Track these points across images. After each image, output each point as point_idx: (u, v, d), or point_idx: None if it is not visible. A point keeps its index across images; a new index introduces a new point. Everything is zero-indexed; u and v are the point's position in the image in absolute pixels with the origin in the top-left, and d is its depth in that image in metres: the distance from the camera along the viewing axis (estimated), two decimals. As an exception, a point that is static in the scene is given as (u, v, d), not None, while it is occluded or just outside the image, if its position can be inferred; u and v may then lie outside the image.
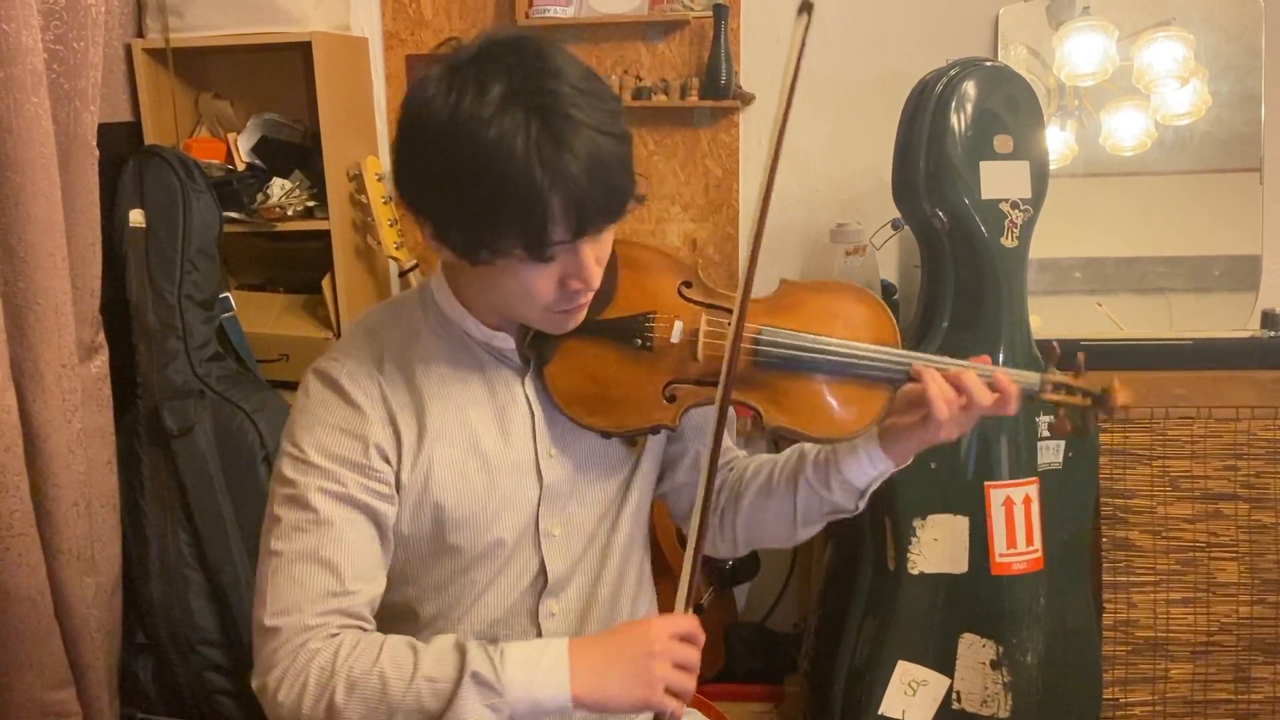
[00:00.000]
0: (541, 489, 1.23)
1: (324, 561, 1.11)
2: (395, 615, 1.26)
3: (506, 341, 1.22)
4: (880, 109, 2.56)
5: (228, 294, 2.41)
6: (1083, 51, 2.44)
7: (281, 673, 1.08)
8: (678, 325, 1.21)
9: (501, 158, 1.00)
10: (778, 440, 2.45)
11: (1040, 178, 2.01)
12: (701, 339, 1.21)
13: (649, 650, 1.09)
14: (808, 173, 2.63)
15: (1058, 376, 1.28)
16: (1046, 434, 2.02)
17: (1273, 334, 2.32)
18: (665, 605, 1.21)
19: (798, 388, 1.22)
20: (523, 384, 1.23)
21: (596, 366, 1.21)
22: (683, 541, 2.32)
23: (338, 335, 2.48)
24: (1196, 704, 2.34)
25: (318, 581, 1.10)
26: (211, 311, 2.33)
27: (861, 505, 1.29)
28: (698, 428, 1.35)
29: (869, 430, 1.23)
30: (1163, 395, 2.31)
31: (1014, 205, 1.98)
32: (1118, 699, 2.33)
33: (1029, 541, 2.00)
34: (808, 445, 1.31)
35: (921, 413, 1.20)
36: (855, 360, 1.22)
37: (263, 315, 2.55)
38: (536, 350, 1.22)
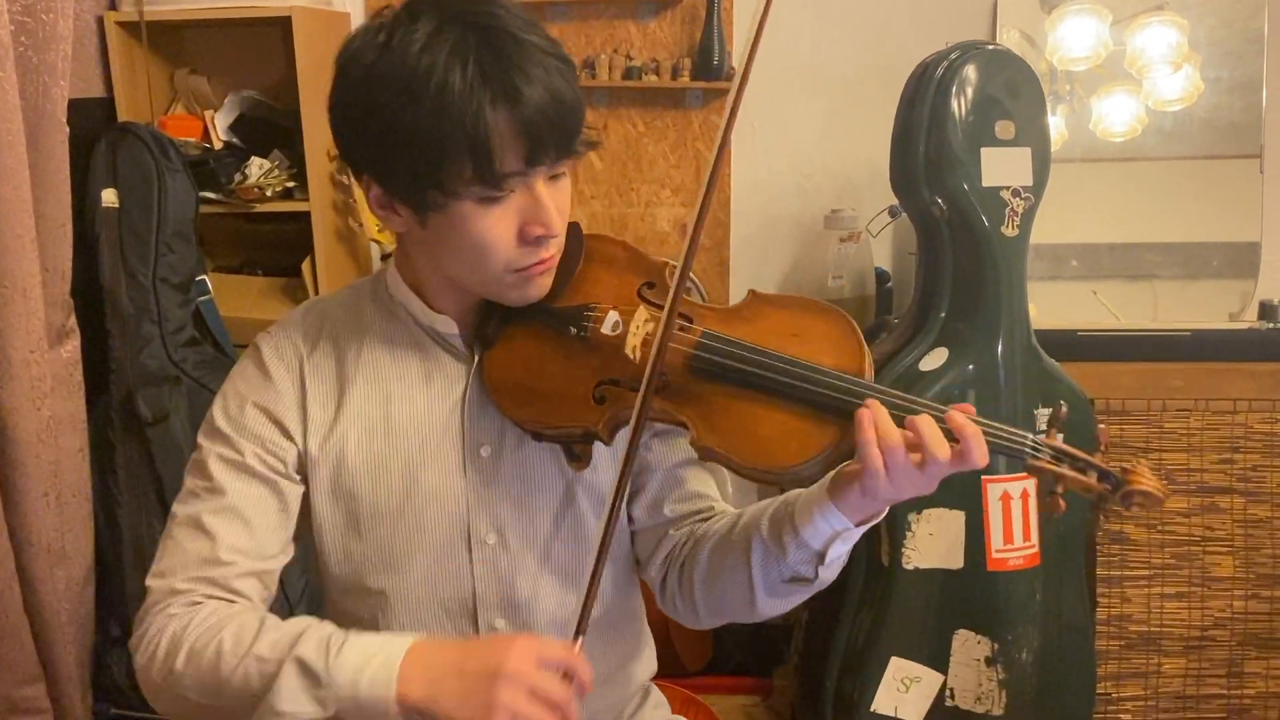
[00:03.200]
0: (467, 487, 1.15)
1: (204, 529, 1.08)
2: (336, 604, 1.22)
3: (449, 325, 1.15)
4: (877, 95, 2.50)
5: (204, 277, 2.33)
6: (1076, 35, 2.40)
7: (142, 633, 1.07)
8: (611, 316, 1.10)
9: (438, 79, 0.95)
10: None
11: (1042, 165, 1.97)
12: (634, 332, 1.08)
13: (499, 670, 0.93)
14: (802, 160, 2.58)
15: (1059, 443, 1.01)
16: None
17: (1271, 326, 2.29)
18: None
19: (735, 407, 1.04)
20: (467, 375, 1.16)
21: (532, 356, 1.12)
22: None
23: (318, 320, 2.41)
24: (1189, 699, 2.32)
25: (195, 548, 1.08)
26: (187, 295, 2.26)
27: (825, 575, 1.07)
28: (658, 462, 1.21)
29: (808, 468, 1.02)
30: (1160, 387, 2.27)
31: (1015, 193, 1.94)
32: (1110, 694, 2.30)
33: (1026, 537, 1.96)
34: (775, 501, 1.12)
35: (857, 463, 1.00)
36: (800, 382, 1.02)
37: (240, 298, 2.48)
38: (481, 338, 1.15)
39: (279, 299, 2.48)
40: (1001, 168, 1.93)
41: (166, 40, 2.47)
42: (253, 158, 2.38)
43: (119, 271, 2.18)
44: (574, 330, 1.11)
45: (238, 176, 2.36)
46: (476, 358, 1.15)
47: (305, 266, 2.40)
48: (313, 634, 1.00)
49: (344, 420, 1.14)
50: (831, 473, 1.05)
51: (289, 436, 1.14)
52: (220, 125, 2.43)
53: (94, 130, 2.21)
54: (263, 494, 1.12)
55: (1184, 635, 2.30)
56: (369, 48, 1.00)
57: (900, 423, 0.97)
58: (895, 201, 2.40)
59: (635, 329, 1.09)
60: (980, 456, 0.97)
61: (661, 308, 1.08)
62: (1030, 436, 1.01)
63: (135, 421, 2.16)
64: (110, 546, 2.18)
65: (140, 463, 2.18)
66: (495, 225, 1.02)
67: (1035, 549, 1.97)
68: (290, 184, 2.39)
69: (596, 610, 1.19)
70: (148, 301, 2.19)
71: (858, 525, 1.04)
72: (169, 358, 2.20)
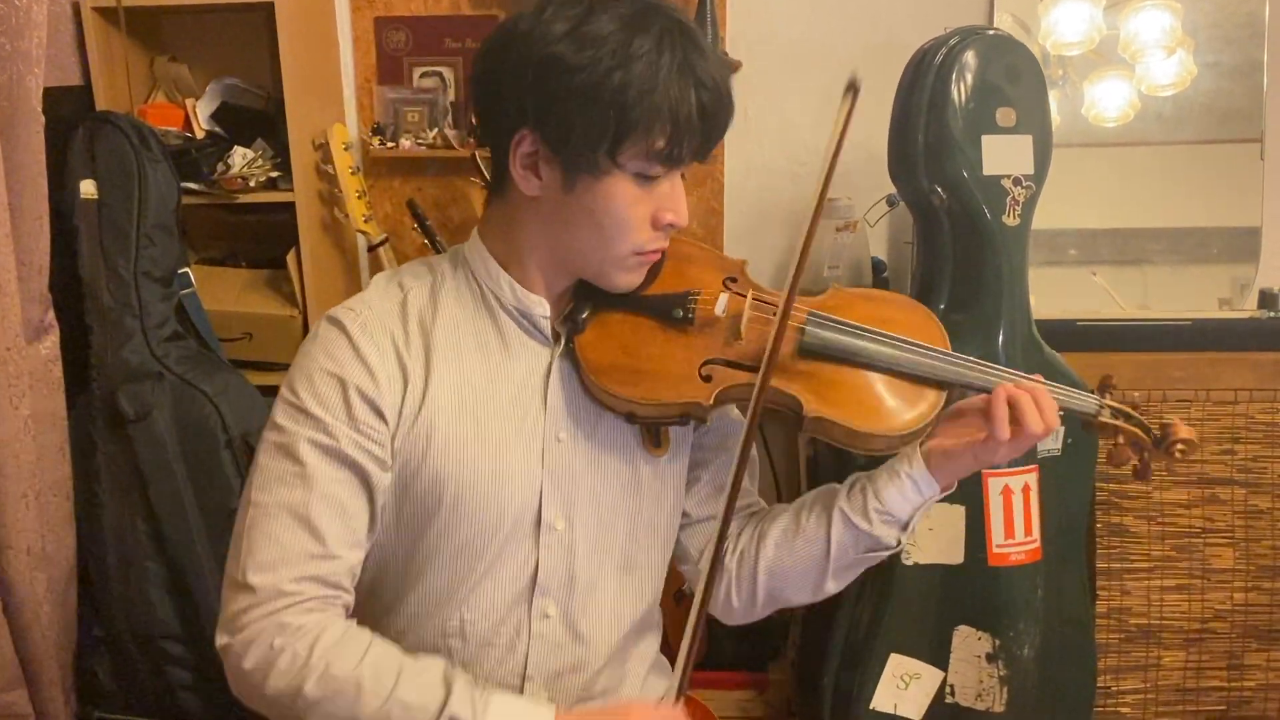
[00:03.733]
0: (544, 473, 1.14)
1: (306, 520, 1.04)
2: (377, 595, 1.18)
3: (542, 306, 1.15)
4: (872, 80, 2.45)
5: (187, 269, 2.28)
6: (1069, 20, 2.37)
7: (250, 638, 1.02)
8: (723, 299, 1.16)
9: (651, 54, 1.01)
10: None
11: (1043, 153, 1.92)
12: (746, 315, 1.15)
13: None
14: (795, 145, 2.54)
15: (1115, 403, 1.21)
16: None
17: (1272, 314, 2.26)
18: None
19: (842, 378, 1.15)
20: (551, 360, 1.15)
21: (632, 338, 1.16)
22: (680, 599, 2.21)
23: (304, 313, 2.37)
24: (1189, 691, 2.30)
25: (298, 542, 1.04)
26: (170, 288, 2.20)
27: (904, 540, 1.20)
28: (719, 445, 1.27)
29: (919, 430, 1.15)
30: (1160, 377, 2.24)
31: (1016, 182, 1.90)
32: (1109, 687, 2.28)
33: (1027, 532, 1.93)
34: (835, 485, 1.24)
35: (975, 431, 1.14)
36: (903, 353, 1.16)
37: (224, 291, 2.43)
38: (571, 323, 1.16)
39: (264, 292, 2.43)
40: (1003, 156, 1.89)
41: (145, 26, 2.41)
42: (236, 147, 2.32)
43: (99, 265, 2.13)
44: (680, 313, 1.15)
45: (220, 166, 2.30)
46: (564, 342, 1.16)
47: (290, 258, 2.35)
48: (459, 688, 1.01)
49: (431, 403, 1.11)
50: (910, 449, 1.17)
51: (384, 420, 1.10)
52: (202, 114, 2.38)
53: (71, 119, 2.15)
54: (358, 482, 1.08)
55: (1184, 628, 2.28)
56: (562, 17, 1.03)
57: (987, 389, 1.15)
58: (891, 190, 2.37)
59: (745, 310, 1.15)
60: (1055, 421, 1.12)
61: (761, 294, 1.18)
62: (1095, 397, 1.21)
63: (117, 419, 2.11)
64: (92, 547, 2.13)
65: (123, 461, 2.12)
66: (638, 204, 1.07)
67: (1037, 544, 1.94)
68: (274, 174, 2.34)
69: (642, 605, 1.25)
70: (129, 295, 2.14)
71: (943, 492, 1.18)
72: (151, 353, 2.15)
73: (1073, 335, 2.20)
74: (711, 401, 1.12)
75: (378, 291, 1.16)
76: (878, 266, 2.47)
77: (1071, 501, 2.01)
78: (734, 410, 1.27)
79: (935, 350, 1.17)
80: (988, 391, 1.15)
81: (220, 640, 1.04)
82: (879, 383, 1.16)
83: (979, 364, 1.17)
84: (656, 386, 1.13)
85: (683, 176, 1.11)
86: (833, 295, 1.22)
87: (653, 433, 1.19)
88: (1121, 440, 1.19)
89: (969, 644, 1.97)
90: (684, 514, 1.28)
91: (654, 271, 1.17)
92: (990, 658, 1.96)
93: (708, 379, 1.13)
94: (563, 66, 1.01)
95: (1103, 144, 2.44)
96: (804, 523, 1.22)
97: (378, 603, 1.19)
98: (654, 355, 1.15)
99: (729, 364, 1.14)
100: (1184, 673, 2.29)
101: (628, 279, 1.13)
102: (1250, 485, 2.25)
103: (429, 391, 1.11)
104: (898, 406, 1.15)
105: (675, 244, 1.19)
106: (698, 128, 1.04)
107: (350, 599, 1.09)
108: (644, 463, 1.20)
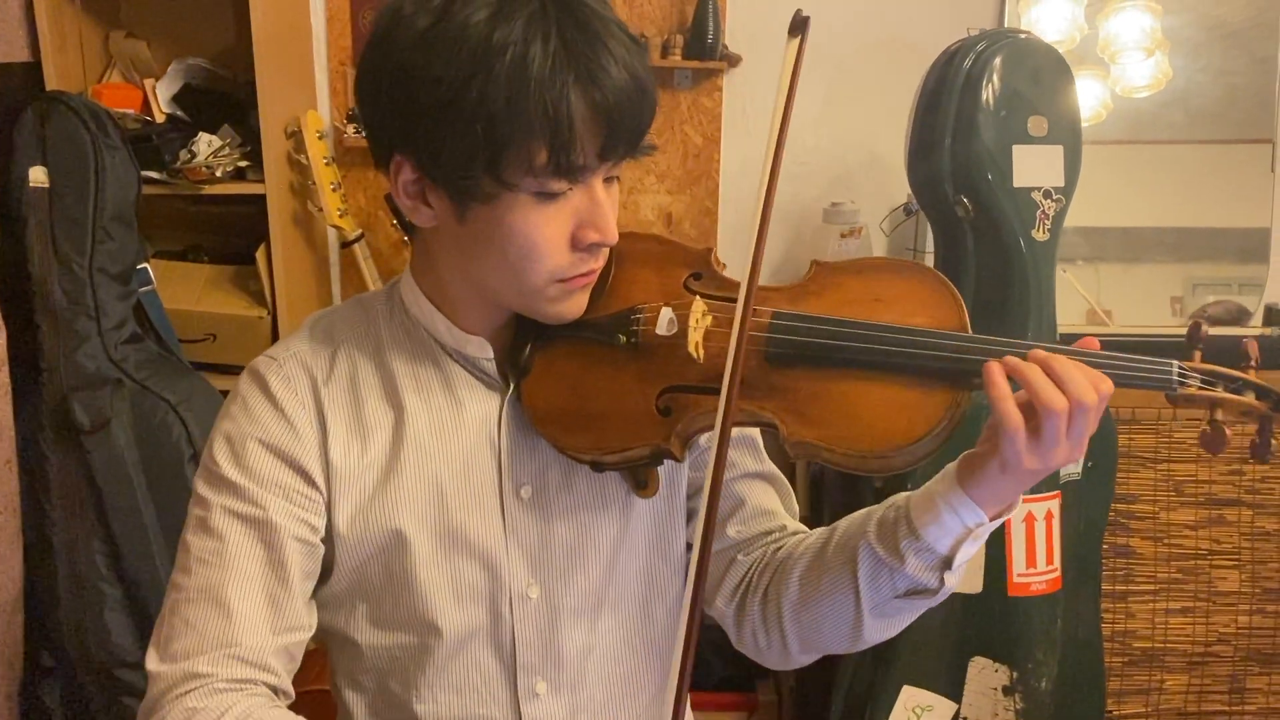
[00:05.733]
0: (506, 535, 1.00)
1: (224, 605, 0.91)
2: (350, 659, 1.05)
3: (482, 349, 0.99)
4: (875, 78, 2.38)
5: (145, 265, 2.10)
6: (1050, 18, 2.34)
7: None
8: (664, 314, 0.95)
9: (516, 50, 0.82)
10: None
11: (1073, 164, 1.84)
12: (694, 328, 0.93)
13: None
14: (795, 144, 2.42)
15: (1206, 365, 0.89)
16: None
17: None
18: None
19: (826, 390, 0.90)
20: (500, 406, 1.00)
21: (580, 375, 0.97)
22: None
23: (273, 313, 2.20)
24: (1190, 715, 2.26)
25: (214, 628, 0.91)
26: (128, 286, 2.03)
27: (951, 583, 0.93)
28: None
29: (928, 441, 0.88)
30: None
31: (1046, 194, 1.81)
32: (1112, 711, 2.23)
33: (1049, 560, 1.85)
34: (877, 508, 0.99)
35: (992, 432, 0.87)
36: (897, 348, 0.89)
37: (185, 289, 2.26)
38: (515, 363, 0.98)
39: (229, 290, 2.26)
40: (1034, 167, 1.80)
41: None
42: (201, 134, 2.15)
43: (50, 260, 1.95)
44: (623, 338, 0.96)
45: (184, 154, 2.13)
46: (511, 387, 1.00)
47: (260, 254, 2.18)
48: None
49: (369, 464, 0.97)
50: (952, 464, 0.93)
51: (312, 483, 0.96)
52: (162, 96, 2.20)
53: (19, 100, 1.98)
54: (286, 555, 0.94)
55: (1188, 651, 2.24)
56: (423, 10, 0.86)
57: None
58: (893, 190, 2.28)
59: (694, 324, 0.93)
60: (1084, 391, 0.83)
61: (716, 299, 0.96)
62: (1175, 363, 0.88)
63: (70, 429, 1.93)
64: (42, 569, 1.96)
65: (76, 475, 1.95)
66: (547, 225, 0.89)
67: (1058, 573, 1.87)
68: (243, 163, 2.17)
69: (651, 659, 1.08)
70: (83, 294, 1.96)
71: (992, 519, 0.90)
72: (109, 357, 1.97)
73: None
74: (673, 442, 0.93)
75: (305, 338, 1.02)
76: (879, 274, 2.37)
77: (1089, 526, 1.94)
78: None
79: (942, 335, 0.89)
80: None
81: None
82: (872, 388, 0.90)
83: (1007, 343, 0.87)
84: (613, 432, 0.95)
85: (614, 180, 0.93)
86: (815, 277, 0.98)
87: (633, 474, 1.01)
88: (1221, 415, 0.88)
89: (985, 675, 1.89)
90: (689, 546, 1.10)
91: (600, 285, 0.98)
92: (1007, 690, 1.89)
93: (666, 412, 0.94)
94: (416, 79, 0.85)
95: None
96: (829, 559, 0.99)
97: (358, 671, 1.06)
98: (606, 391, 0.96)
99: (689, 389, 0.94)
100: (1186, 697, 2.25)
101: (559, 310, 0.95)
102: (1258, 507, 2.21)
103: (368, 451, 0.97)
104: (898, 415, 0.89)
105: (631, 243, 1.01)
106: (593, 129, 0.85)
107: (279, 682, 0.94)
108: (630, 508, 1.04)
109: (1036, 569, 1.85)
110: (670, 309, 0.95)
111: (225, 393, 2.04)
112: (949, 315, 0.92)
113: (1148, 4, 2.33)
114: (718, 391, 0.88)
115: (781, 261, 2.46)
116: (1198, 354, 0.89)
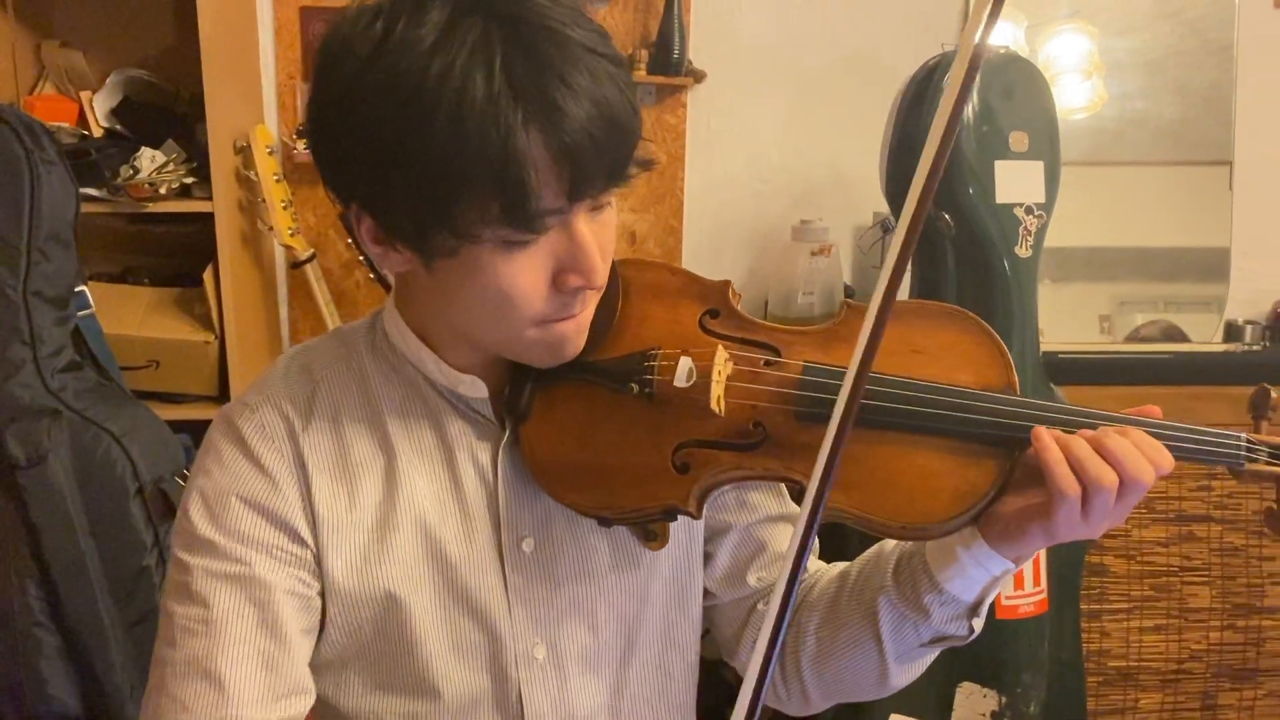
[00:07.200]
0: (508, 592, 0.92)
1: (216, 678, 0.83)
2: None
3: (476, 389, 0.90)
4: (840, 94, 2.36)
5: (83, 288, 1.97)
6: (992, 39, 2.30)
7: None
8: (684, 364, 0.86)
9: (453, 88, 0.72)
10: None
11: (1053, 179, 1.83)
12: (716, 380, 0.85)
13: None
14: (760, 161, 2.39)
15: (1276, 438, 0.83)
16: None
17: (1247, 347, 2.23)
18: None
19: (863, 454, 0.83)
20: (496, 450, 0.91)
21: (586, 423, 0.89)
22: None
23: (220, 338, 2.09)
24: (1164, 733, 2.25)
25: (204, 703, 0.83)
26: (66, 310, 1.89)
27: (977, 627, 0.89)
28: (737, 504, 1.01)
29: (969, 514, 0.82)
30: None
31: (1028, 210, 1.79)
32: (1087, 732, 2.21)
33: (1036, 582, 1.82)
34: (889, 544, 0.94)
35: (1041, 494, 0.80)
36: (943, 411, 0.82)
37: (125, 313, 2.13)
38: (513, 405, 0.90)
39: (173, 314, 2.14)
40: (1015, 182, 1.78)
41: (33, 7, 2.11)
42: (143, 149, 2.04)
43: (-20, 283, 1.81)
44: (636, 388, 0.87)
45: (125, 170, 2.01)
46: (508, 431, 0.91)
47: (208, 275, 2.07)
48: None
49: (357, 515, 0.89)
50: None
51: (298, 538, 0.87)
52: (100, 109, 2.08)
53: (-55, 111, 1.84)
54: (280, 609, 0.86)
55: (1161, 669, 2.23)
56: (362, 38, 0.75)
57: None
58: (860, 207, 2.26)
59: (717, 375, 0.85)
60: (1140, 469, 0.79)
61: (737, 341, 0.88)
62: (1244, 436, 0.83)
63: (4, 464, 1.79)
64: (-28, 615, 1.81)
65: (10, 513, 1.80)
66: (522, 274, 0.79)
67: (1044, 594, 1.84)
68: (188, 180, 2.06)
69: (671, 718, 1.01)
70: (17, 319, 1.82)
71: (1017, 562, 0.86)
72: (45, 386, 1.84)
73: (1052, 369, 2.11)
74: (695, 505, 0.86)
75: (280, 379, 0.93)
76: (847, 293, 2.34)
77: (1073, 544, 1.92)
78: None
79: (990, 396, 0.83)
80: None
81: None
82: (913, 455, 0.83)
83: (1058, 408, 0.82)
84: (623, 489, 0.87)
85: (606, 206, 0.83)
86: (846, 320, 0.90)
87: (641, 528, 0.93)
88: None
89: (973, 701, 1.85)
90: (706, 592, 1.04)
91: (606, 320, 0.91)
92: (996, 715, 1.85)
93: (684, 469, 0.86)
94: (355, 122, 0.76)
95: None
96: (844, 612, 0.94)
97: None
98: (615, 444, 0.88)
99: (709, 445, 0.86)
100: (1160, 714, 2.24)
101: (550, 356, 0.87)
102: (1226, 522, 2.22)
103: (357, 499, 0.89)
104: (939, 486, 0.83)
105: (641, 273, 0.94)
106: (555, 171, 0.74)
107: None
108: (641, 557, 0.96)
109: (1024, 590, 1.82)
110: (689, 359, 0.86)
111: (171, 423, 1.95)
112: (997, 374, 0.86)
113: (1084, 26, 2.36)
114: (740, 448, 0.84)
115: (748, 279, 2.42)
116: (1264, 424, 0.84)
